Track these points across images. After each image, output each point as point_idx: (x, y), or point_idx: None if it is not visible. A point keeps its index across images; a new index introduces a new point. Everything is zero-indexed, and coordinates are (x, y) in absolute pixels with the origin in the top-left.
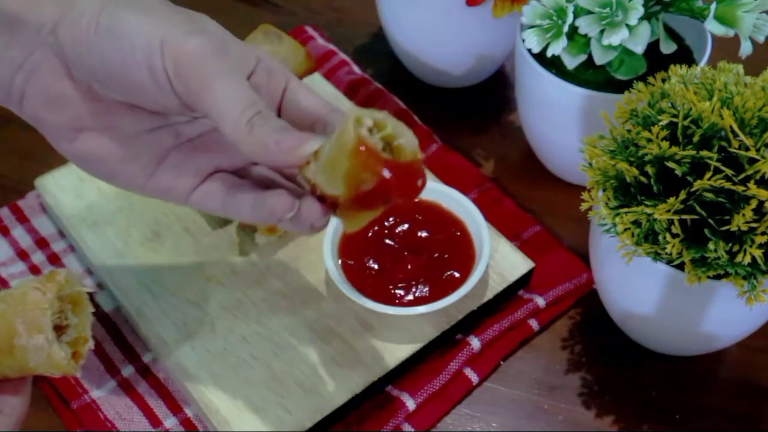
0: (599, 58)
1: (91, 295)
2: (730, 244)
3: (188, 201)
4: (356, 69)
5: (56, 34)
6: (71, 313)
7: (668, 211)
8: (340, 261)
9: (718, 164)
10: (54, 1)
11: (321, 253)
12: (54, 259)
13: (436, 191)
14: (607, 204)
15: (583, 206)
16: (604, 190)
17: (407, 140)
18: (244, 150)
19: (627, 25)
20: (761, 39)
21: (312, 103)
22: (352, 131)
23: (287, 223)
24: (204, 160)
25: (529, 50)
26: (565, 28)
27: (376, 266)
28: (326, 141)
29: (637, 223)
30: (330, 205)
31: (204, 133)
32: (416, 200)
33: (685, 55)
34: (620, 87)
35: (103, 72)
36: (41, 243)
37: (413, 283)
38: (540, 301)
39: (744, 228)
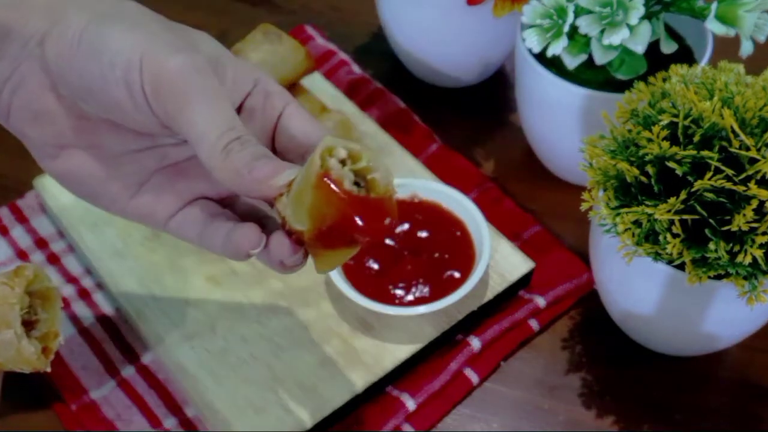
0: (600, 58)
1: (90, 295)
2: (731, 245)
3: (167, 227)
4: (356, 69)
5: (43, 47)
6: (41, 308)
7: (669, 211)
8: None
9: (718, 164)
10: (43, 13)
11: None
12: (53, 259)
13: (436, 191)
14: (607, 204)
15: (584, 206)
16: (604, 190)
17: (381, 175)
18: (219, 177)
19: (628, 24)
20: (762, 39)
21: (304, 130)
22: (318, 161)
23: (261, 259)
24: (186, 185)
25: (530, 50)
26: (566, 28)
27: (376, 266)
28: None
29: (637, 223)
30: (297, 240)
31: (192, 157)
32: (417, 201)
33: (686, 55)
34: (620, 87)
35: (83, 88)
36: (40, 243)
37: (413, 283)
38: (540, 302)
39: (745, 228)
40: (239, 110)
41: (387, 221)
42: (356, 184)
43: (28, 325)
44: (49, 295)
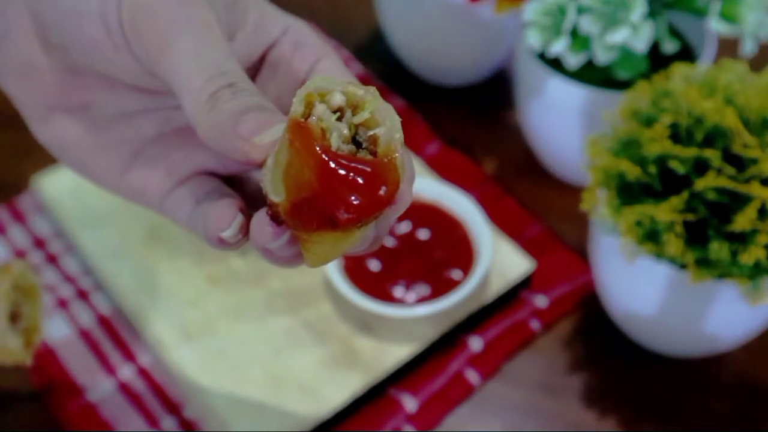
0: (601, 57)
1: (88, 296)
2: (735, 245)
3: (163, 209)
4: (356, 67)
5: None
6: (24, 303)
7: (671, 210)
8: (340, 261)
9: (720, 163)
10: None
11: None
12: (51, 259)
13: (436, 190)
14: (608, 204)
15: (585, 206)
16: (605, 190)
17: (385, 130)
18: (200, 134)
19: (630, 23)
20: (765, 37)
21: None
22: (299, 106)
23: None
24: (185, 156)
25: (530, 49)
26: (568, 27)
27: (376, 266)
28: None
29: (638, 223)
30: (274, 217)
31: None
32: (417, 200)
33: (688, 55)
34: (622, 86)
35: (58, 25)
36: (38, 243)
37: (414, 283)
38: (541, 302)
39: (747, 228)
40: (261, 63)
41: (382, 191)
42: (356, 143)
43: (12, 318)
44: (32, 291)
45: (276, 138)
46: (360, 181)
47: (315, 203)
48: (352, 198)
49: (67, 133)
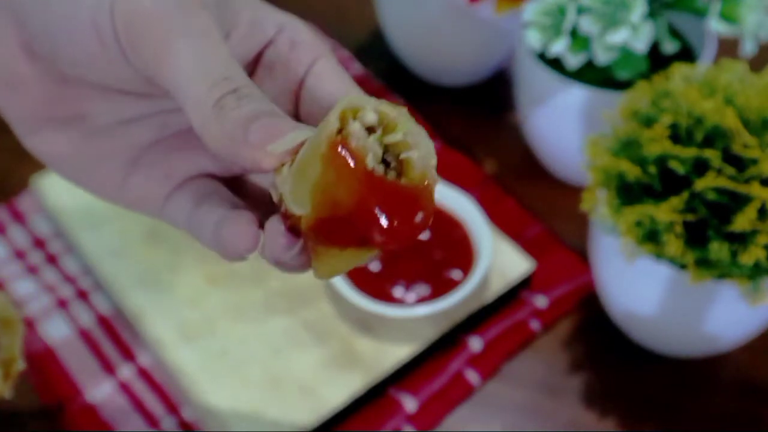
0: (601, 57)
1: (88, 296)
2: (735, 245)
3: (163, 215)
4: (357, 67)
5: None
6: (3, 334)
7: (671, 210)
8: None
9: (720, 164)
10: None
11: None
12: (51, 259)
13: (436, 191)
14: (608, 204)
15: (585, 206)
16: (605, 190)
17: (420, 155)
18: (208, 143)
19: (630, 23)
20: (765, 37)
21: (336, 93)
22: (335, 122)
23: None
24: (184, 159)
25: (531, 49)
26: (568, 27)
27: (376, 267)
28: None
29: (638, 223)
30: (291, 228)
31: None
32: None
33: (688, 55)
34: (622, 86)
35: (46, 36)
36: (38, 243)
37: (414, 283)
38: (541, 302)
39: (747, 228)
40: (256, 64)
41: (418, 218)
42: (384, 163)
43: None
44: (11, 322)
45: (294, 146)
46: (399, 206)
47: (348, 222)
48: (391, 222)
49: (59, 146)
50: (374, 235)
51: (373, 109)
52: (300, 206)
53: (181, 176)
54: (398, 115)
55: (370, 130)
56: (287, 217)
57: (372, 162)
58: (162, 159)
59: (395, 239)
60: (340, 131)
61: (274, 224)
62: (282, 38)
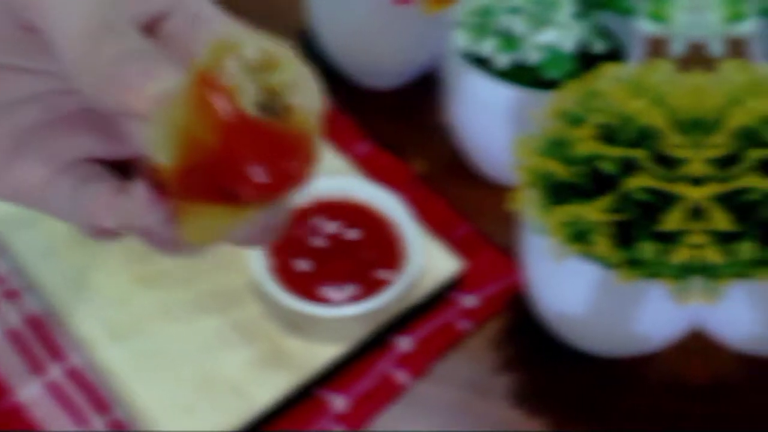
0: (529, 58)
1: (17, 296)
2: (664, 244)
3: (43, 205)
4: None
5: None
6: None
7: (599, 210)
8: (269, 261)
9: (649, 163)
10: None
11: (250, 252)
12: None
13: (366, 191)
14: (537, 204)
15: (514, 206)
16: (534, 190)
17: (303, 100)
18: (81, 81)
19: (558, 23)
20: (694, 38)
21: None
22: (206, 59)
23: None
24: (68, 141)
25: (459, 49)
26: (496, 27)
27: (305, 266)
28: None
29: (568, 223)
30: (157, 183)
31: (87, 109)
32: (346, 200)
33: (618, 55)
34: (550, 87)
35: None
36: None
37: (343, 283)
38: (471, 302)
39: (675, 228)
40: (150, 33)
41: (293, 168)
42: (270, 111)
43: None
44: None
45: (166, 89)
46: (270, 151)
47: (212, 170)
48: (259, 169)
49: None
50: (241, 186)
51: (255, 45)
52: (165, 155)
53: (65, 160)
54: (284, 53)
55: (251, 70)
56: (152, 171)
57: (246, 103)
58: (44, 143)
59: (263, 192)
60: (214, 70)
61: (139, 185)
62: (180, 11)
